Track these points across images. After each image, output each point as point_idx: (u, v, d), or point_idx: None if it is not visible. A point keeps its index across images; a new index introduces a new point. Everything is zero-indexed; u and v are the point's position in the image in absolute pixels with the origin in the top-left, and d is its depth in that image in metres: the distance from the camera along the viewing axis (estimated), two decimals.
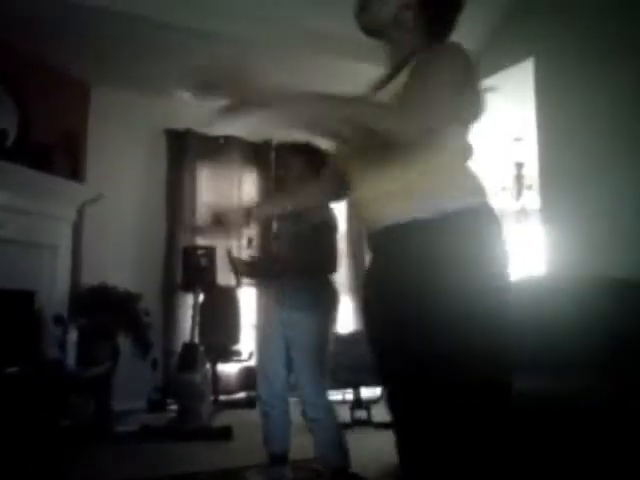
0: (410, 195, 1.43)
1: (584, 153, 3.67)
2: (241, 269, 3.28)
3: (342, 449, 2.71)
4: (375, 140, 1.40)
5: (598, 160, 3.58)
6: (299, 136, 2.93)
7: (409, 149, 1.40)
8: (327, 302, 2.81)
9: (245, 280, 3.44)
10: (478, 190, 1.46)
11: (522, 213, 6.62)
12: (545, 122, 4.01)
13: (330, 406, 2.76)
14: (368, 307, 1.60)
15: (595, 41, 3.62)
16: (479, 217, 1.42)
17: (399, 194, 1.44)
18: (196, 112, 5.35)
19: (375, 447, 3.33)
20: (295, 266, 2.80)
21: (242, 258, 3.22)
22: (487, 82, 4.41)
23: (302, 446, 2.99)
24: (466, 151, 1.51)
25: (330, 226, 2.83)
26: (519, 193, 6.37)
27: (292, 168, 2.89)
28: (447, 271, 1.36)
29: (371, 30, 1.56)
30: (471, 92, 1.46)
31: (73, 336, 4.03)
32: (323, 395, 2.74)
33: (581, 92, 3.71)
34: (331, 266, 2.79)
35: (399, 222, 1.42)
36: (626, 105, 3.42)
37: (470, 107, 1.47)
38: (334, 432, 2.71)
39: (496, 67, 4.35)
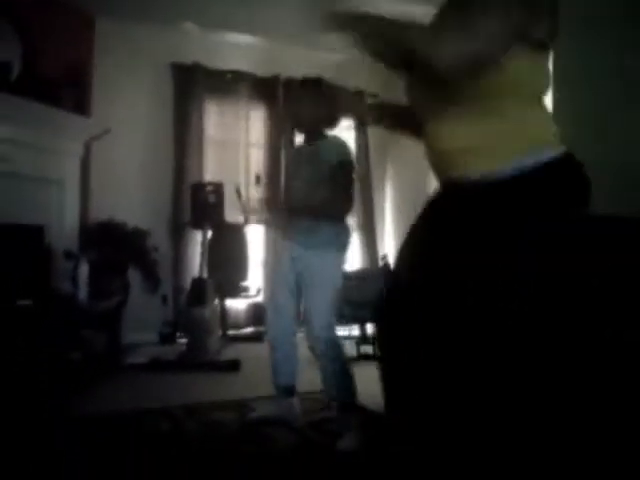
0: (490, 151, 1.40)
1: (596, 129, 3.58)
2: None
3: (348, 383, 2.75)
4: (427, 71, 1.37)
5: (610, 137, 3.49)
6: (313, 70, 2.90)
7: (483, 100, 1.38)
8: (343, 240, 2.82)
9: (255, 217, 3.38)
10: (555, 139, 1.42)
11: None
12: (558, 97, 3.88)
13: (337, 341, 2.80)
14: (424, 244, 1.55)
15: (614, 19, 3.47)
16: (559, 171, 1.38)
17: (480, 150, 1.41)
18: (203, 44, 5.32)
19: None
20: (313, 209, 2.78)
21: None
22: None
23: (309, 379, 3.05)
24: (542, 87, 1.46)
25: (348, 165, 2.81)
26: None
27: (305, 102, 2.83)
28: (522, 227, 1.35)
29: None
30: (526, 11, 1.34)
31: (84, 270, 4.07)
32: (332, 330, 2.78)
33: (597, 68, 3.58)
34: (348, 206, 2.79)
35: (479, 178, 1.40)
36: None
37: (531, 26, 1.36)
38: (341, 366, 2.75)
39: None
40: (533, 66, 1.40)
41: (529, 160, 1.36)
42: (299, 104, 2.89)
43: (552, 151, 1.38)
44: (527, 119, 1.40)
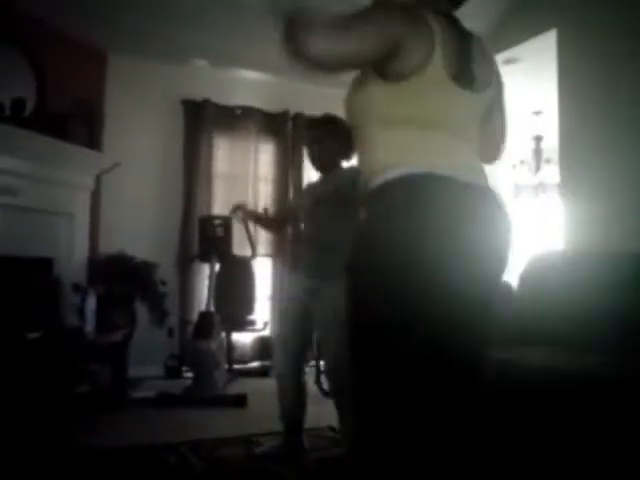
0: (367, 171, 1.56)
1: (606, 127, 3.62)
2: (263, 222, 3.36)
3: None
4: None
5: (620, 134, 3.52)
6: (321, 105, 2.94)
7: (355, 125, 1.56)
8: None
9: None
10: (397, 164, 1.45)
11: (540, 187, 6.58)
12: (567, 95, 3.95)
13: None
14: None
15: (619, 12, 3.54)
16: (385, 193, 1.45)
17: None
18: (213, 81, 5.41)
19: None
20: (329, 243, 2.79)
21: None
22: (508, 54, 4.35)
23: (317, 415, 3.03)
24: (402, 114, 1.47)
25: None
26: (537, 167, 6.32)
27: (322, 139, 2.87)
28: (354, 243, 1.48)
29: None
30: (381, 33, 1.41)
31: (92, 303, 4.08)
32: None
33: (604, 65, 3.64)
34: None
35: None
36: None
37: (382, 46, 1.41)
38: None
39: (517, 38, 4.28)
40: (388, 95, 1.46)
41: (375, 180, 1.48)
42: (314, 142, 2.92)
43: (388, 174, 1.44)
44: (378, 144, 1.49)
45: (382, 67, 1.44)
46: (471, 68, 1.50)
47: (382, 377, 1.44)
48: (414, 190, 1.39)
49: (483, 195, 1.46)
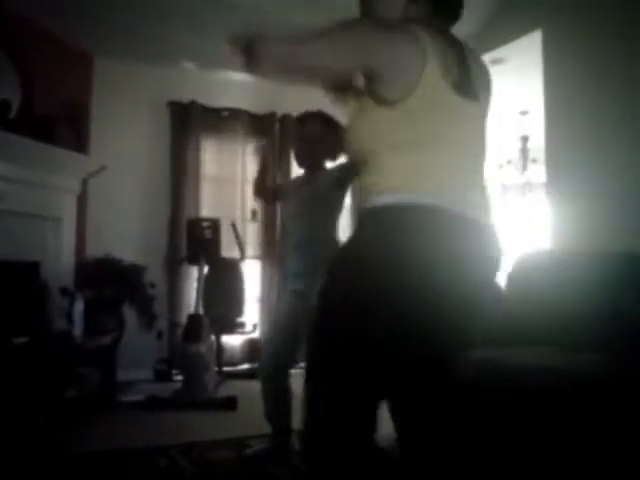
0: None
1: (591, 126, 3.64)
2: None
3: None
4: None
5: (605, 134, 3.55)
6: (309, 107, 2.93)
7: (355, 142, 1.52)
8: None
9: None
10: (394, 189, 1.44)
11: (527, 186, 6.62)
12: (553, 95, 3.97)
13: None
14: None
15: (605, 13, 3.57)
16: (378, 219, 1.44)
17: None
18: (200, 83, 5.39)
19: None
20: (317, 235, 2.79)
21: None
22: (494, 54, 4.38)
23: None
24: (403, 144, 1.45)
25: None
26: (524, 166, 6.35)
27: (312, 136, 2.84)
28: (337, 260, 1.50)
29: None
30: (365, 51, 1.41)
31: (80, 307, 4.05)
32: None
33: (589, 64, 3.67)
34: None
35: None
36: (636, 79, 3.38)
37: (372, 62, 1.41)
38: None
39: (504, 39, 4.31)
40: (389, 118, 1.43)
41: (369, 202, 1.47)
42: (299, 139, 2.90)
43: (385, 198, 1.43)
44: (384, 169, 1.45)
45: (374, 92, 1.42)
46: (470, 73, 1.47)
47: (377, 379, 1.47)
48: (400, 219, 1.40)
49: (467, 225, 1.42)
